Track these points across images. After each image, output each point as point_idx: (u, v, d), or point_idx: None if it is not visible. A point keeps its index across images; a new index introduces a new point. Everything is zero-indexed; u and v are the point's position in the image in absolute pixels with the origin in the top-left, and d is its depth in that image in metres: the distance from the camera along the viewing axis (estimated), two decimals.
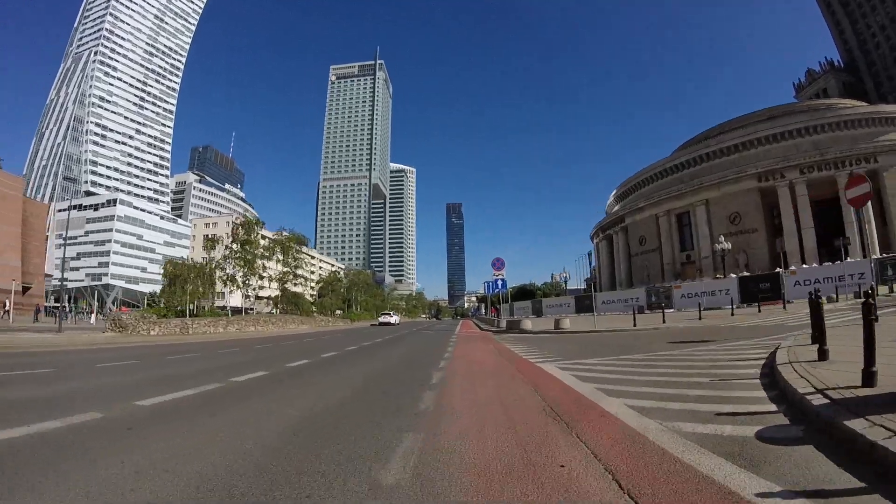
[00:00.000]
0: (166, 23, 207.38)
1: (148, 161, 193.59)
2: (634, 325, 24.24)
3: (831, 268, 39.57)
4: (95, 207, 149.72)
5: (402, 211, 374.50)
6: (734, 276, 46.53)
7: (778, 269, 45.46)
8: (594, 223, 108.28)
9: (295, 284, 61.68)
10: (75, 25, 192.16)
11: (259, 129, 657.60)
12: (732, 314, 27.46)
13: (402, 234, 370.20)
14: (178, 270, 43.09)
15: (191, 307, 44.40)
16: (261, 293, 64.99)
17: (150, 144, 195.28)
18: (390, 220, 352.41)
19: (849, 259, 48.80)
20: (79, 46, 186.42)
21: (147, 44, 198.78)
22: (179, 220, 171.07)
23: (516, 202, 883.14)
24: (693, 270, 70.36)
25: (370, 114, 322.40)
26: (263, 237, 56.23)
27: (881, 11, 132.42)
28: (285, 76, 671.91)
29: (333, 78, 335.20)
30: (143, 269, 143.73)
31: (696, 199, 72.20)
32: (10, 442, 5.08)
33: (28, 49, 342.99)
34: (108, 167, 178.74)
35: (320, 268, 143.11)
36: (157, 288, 45.77)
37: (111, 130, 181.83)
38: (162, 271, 45.26)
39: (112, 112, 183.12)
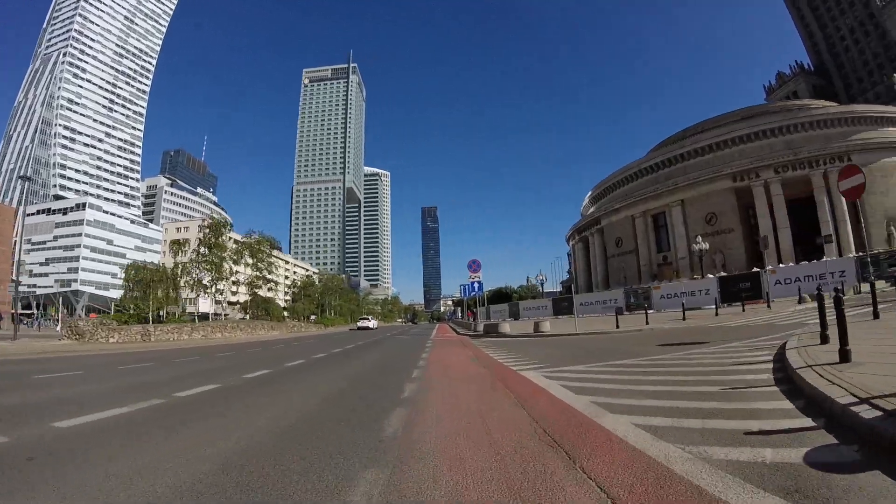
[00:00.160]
0: (137, 24, 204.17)
1: (118, 165, 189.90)
2: (617, 326, 23.29)
3: (811, 266, 39.15)
4: (64, 212, 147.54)
5: (377, 215, 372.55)
6: (714, 276, 46.05)
7: (757, 269, 45.06)
8: (569, 225, 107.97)
9: (269, 290, 60.02)
10: (44, 26, 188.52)
11: (232, 133, 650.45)
12: (717, 314, 26.75)
13: (377, 238, 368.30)
14: (140, 275, 41.35)
15: (160, 313, 42.99)
16: (233, 299, 63.63)
17: (120, 148, 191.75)
18: (365, 225, 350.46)
19: (825, 258, 48.76)
20: (48, 48, 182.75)
21: (117, 45, 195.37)
22: (151, 225, 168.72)
23: (491, 205, 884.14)
24: (670, 271, 70.01)
25: (343, 117, 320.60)
26: (235, 241, 54.80)
27: (850, 15, 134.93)
28: (258, 79, 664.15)
29: (306, 81, 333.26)
30: (114, 275, 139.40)
31: (672, 200, 71.85)
32: None
33: None
34: (76, 171, 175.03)
35: (294, 273, 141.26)
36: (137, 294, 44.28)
37: (80, 133, 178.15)
38: (124, 275, 43.27)
39: (81, 115, 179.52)
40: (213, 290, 48.38)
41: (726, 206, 66.75)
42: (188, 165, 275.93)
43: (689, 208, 69.96)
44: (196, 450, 5.13)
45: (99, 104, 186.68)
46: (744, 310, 28.16)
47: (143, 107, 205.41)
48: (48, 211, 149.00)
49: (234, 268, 51.91)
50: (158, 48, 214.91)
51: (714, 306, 32.81)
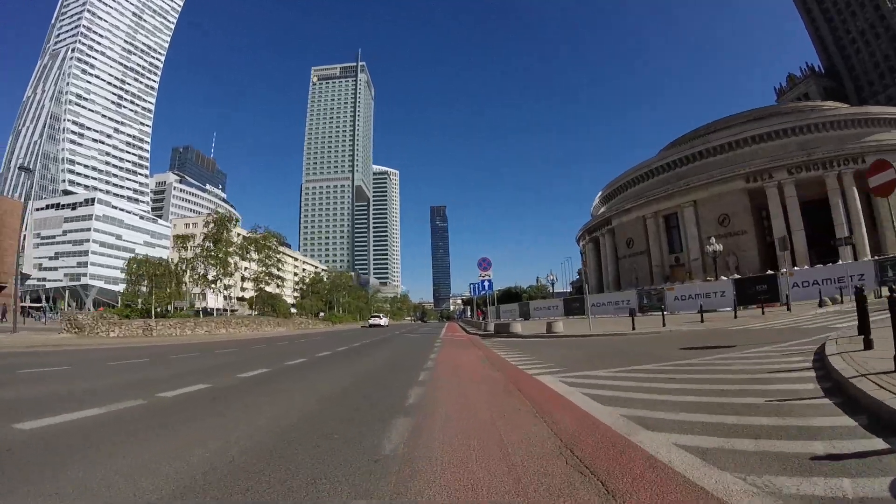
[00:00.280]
0: (145, 20, 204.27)
1: (126, 160, 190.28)
2: (633, 328, 22.34)
3: (829, 269, 38.51)
4: (73, 206, 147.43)
5: (385, 213, 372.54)
6: (729, 277, 45.22)
7: (773, 271, 44.21)
8: (579, 226, 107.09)
9: (275, 286, 59.11)
10: (53, 22, 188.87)
11: (241, 130, 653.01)
12: (735, 317, 25.85)
13: (386, 236, 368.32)
14: (142, 269, 40.75)
15: (167, 308, 42.47)
16: (243, 295, 63.03)
17: (128, 143, 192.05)
18: (374, 223, 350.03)
19: (840, 261, 47.97)
20: (56, 43, 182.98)
21: (125, 41, 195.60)
22: (159, 221, 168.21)
23: (501, 204, 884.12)
24: (682, 273, 69.16)
25: (352, 116, 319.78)
26: (241, 236, 54.17)
27: (861, 17, 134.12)
28: (267, 76, 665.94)
29: (315, 79, 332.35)
30: (123, 270, 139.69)
31: (685, 201, 70.95)
32: None
33: (5, 46, 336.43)
34: (85, 166, 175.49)
35: (303, 270, 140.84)
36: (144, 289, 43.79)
37: (89, 129, 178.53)
38: (125, 269, 42.63)
39: (90, 110, 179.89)
40: (219, 285, 47.78)
41: (739, 207, 65.87)
42: (197, 162, 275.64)
43: (701, 209, 69.06)
44: (166, 462, 4.42)
45: (107, 100, 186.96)
46: (763, 312, 27.21)
47: (151, 103, 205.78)
48: (57, 206, 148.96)
49: (241, 263, 51.29)
50: (167, 45, 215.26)
51: (730, 308, 32.13)
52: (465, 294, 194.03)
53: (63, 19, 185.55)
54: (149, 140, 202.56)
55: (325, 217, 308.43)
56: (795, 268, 46.65)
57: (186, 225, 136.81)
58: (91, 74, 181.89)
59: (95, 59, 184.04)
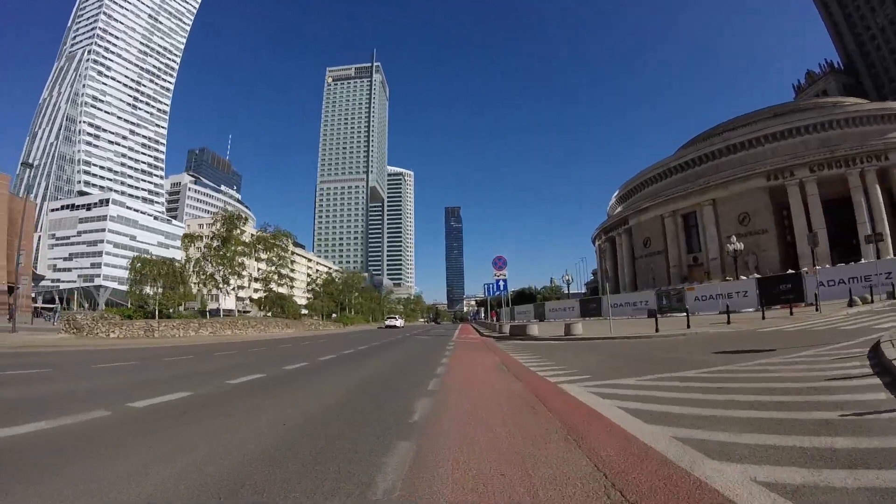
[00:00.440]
0: (160, 22, 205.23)
1: (142, 162, 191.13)
2: (657, 330, 21.19)
3: (856, 267, 37.30)
4: (88, 207, 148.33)
5: (400, 214, 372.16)
6: (753, 277, 44.06)
7: (794, 271, 43.09)
8: (594, 226, 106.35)
9: (280, 285, 58.27)
10: (69, 24, 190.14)
11: (256, 131, 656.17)
12: (763, 317, 24.74)
13: (400, 237, 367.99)
14: (146, 268, 39.96)
15: (179, 309, 41.92)
16: (255, 295, 62.41)
17: (143, 145, 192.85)
18: (388, 224, 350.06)
19: (863, 259, 46.92)
20: (72, 45, 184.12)
21: (141, 43, 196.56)
22: (174, 221, 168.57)
23: (515, 203, 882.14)
24: (700, 273, 68.04)
25: (367, 116, 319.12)
26: (253, 235, 53.56)
27: (880, 13, 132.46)
28: (282, 78, 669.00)
29: (330, 80, 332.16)
30: (127, 268, 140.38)
31: (704, 199, 69.76)
32: None
33: (23, 48, 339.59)
34: (101, 167, 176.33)
35: (317, 271, 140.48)
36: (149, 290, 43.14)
37: (104, 130, 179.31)
38: (129, 267, 41.87)
39: (105, 112, 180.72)
40: (226, 285, 47.08)
41: (760, 205, 64.68)
42: (212, 164, 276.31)
43: (720, 208, 67.90)
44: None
45: (123, 101, 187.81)
46: (791, 313, 26.09)
47: (166, 104, 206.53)
48: (72, 206, 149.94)
49: (251, 262, 50.61)
50: (182, 46, 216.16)
51: (755, 309, 31.47)
52: (478, 295, 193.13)
53: (79, 21, 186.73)
54: (164, 141, 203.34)
55: (340, 218, 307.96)
56: (818, 267, 45.50)
57: (200, 225, 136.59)
58: (107, 76, 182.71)
59: (111, 60, 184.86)
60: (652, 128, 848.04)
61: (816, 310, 26.11)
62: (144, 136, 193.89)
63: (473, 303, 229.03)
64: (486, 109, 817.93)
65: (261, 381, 10.81)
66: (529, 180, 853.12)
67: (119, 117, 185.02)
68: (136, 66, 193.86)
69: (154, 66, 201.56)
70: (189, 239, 46.25)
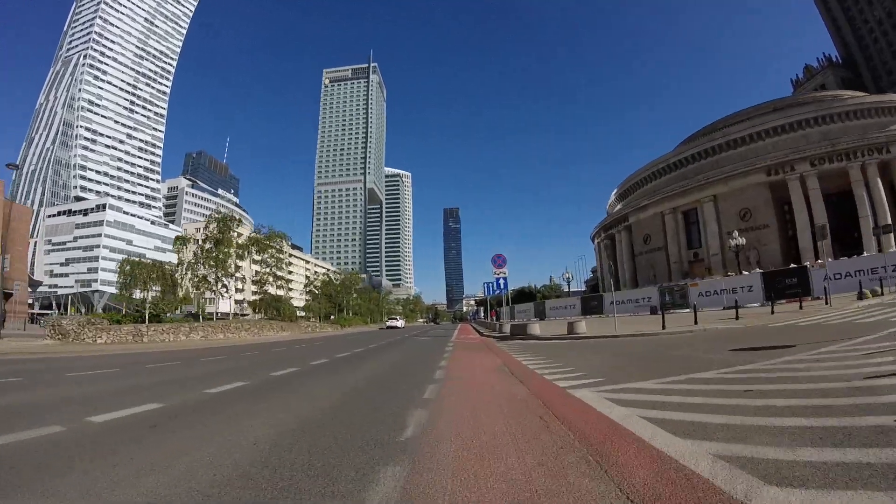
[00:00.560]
0: (156, 26, 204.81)
1: (138, 166, 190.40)
2: (663, 327, 20.41)
3: (863, 260, 37.09)
4: (84, 212, 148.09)
5: (398, 215, 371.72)
6: (757, 271, 43.54)
7: (800, 264, 42.59)
8: (592, 225, 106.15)
9: (278, 287, 57.48)
10: (65, 29, 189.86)
11: (253, 134, 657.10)
12: (772, 312, 24.08)
13: (398, 238, 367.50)
14: (135, 270, 39.07)
15: (177, 312, 41.35)
16: (252, 298, 61.78)
17: (140, 149, 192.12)
18: (386, 225, 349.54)
19: (865, 253, 46.60)
20: (68, 50, 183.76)
21: (137, 47, 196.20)
22: (171, 226, 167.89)
23: (514, 204, 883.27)
24: (701, 269, 67.47)
25: (364, 118, 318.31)
26: (241, 235, 52.83)
27: (878, 7, 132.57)
28: (279, 80, 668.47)
29: (327, 81, 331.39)
30: (115, 271, 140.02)
31: (704, 196, 69.12)
32: None
33: (19, 53, 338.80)
34: (97, 172, 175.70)
35: (315, 273, 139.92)
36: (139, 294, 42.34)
37: (101, 135, 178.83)
38: (118, 270, 41.01)
39: (102, 116, 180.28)
40: (219, 287, 46.32)
41: (760, 200, 64.11)
42: (210, 167, 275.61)
43: (721, 204, 67.28)
44: None
45: (119, 106, 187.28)
46: (801, 307, 25.51)
47: (163, 108, 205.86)
48: (68, 212, 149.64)
49: (245, 264, 49.94)
50: (178, 50, 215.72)
51: (760, 304, 31.33)
52: (478, 294, 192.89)
53: (75, 26, 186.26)
54: (161, 145, 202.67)
55: (338, 220, 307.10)
56: (826, 260, 45.02)
57: (197, 229, 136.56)
58: (103, 80, 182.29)
59: (107, 65, 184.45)
60: (650, 128, 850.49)
61: (826, 303, 25.52)
62: (141, 140, 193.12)
63: (473, 302, 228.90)
64: (485, 110, 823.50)
65: (243, 389, 9.95)
66: (528, 181, 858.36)
67: (115, 121, 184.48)
68: (133, 69, 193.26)
69: (150, 70, 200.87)
70: (181, 241, 45.55)
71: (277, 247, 55.87)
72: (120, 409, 7.39)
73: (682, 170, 77.17)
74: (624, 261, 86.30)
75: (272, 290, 56.56)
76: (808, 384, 7.09)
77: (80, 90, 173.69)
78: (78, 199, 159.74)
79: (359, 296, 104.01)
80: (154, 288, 39.85)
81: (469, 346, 24.15)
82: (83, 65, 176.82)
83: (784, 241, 62.96)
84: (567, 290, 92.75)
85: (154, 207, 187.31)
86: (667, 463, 4.13)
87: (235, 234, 48.22)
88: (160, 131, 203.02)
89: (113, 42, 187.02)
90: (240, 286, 49.54)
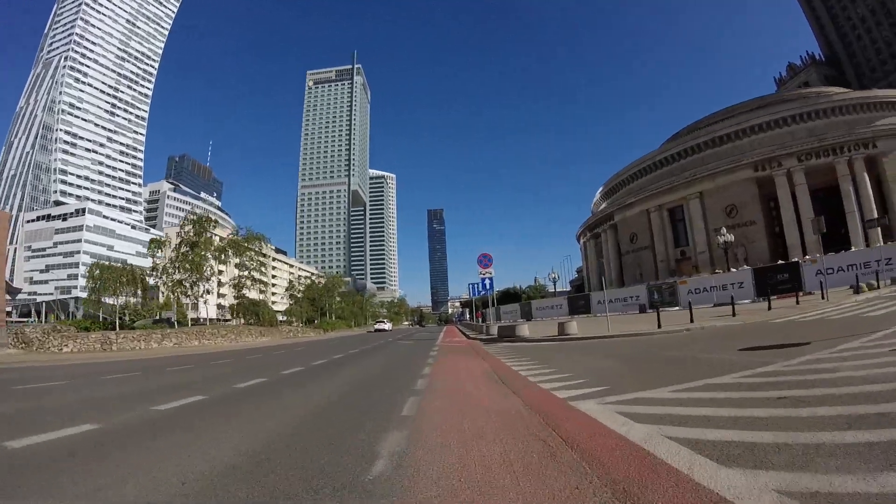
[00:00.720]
0: (138, 27, 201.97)
1: (120, 170, 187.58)
2: (659, 326, 19.33)
3: (855, 254, 36.89)
4: (64, 217, 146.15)
5: (382, 218, 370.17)
6: (746, 268, 43.05)
7: (788, 260, 42.16)
8: (577, 226, 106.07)
9: (261, 291, 56.20)
10: (46, 31, 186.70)
11: (237, 136, 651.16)
12: (769, 308, 23.24)
13: (383, 240, 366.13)
14: (104, 274, 37.73)
15: (159, 318, 40.20)
16: (234, 302, 60.56)
17: (121, 153, 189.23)
18: (371, 227, 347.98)
19: (853, 248, 46.55)
20: (49, 52, 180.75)
21: (119, 49, 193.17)
22: (152, 231, 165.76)
23: (498, 204, 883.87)
24: (689, 267, 67.15)
25: (348, 119, 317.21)
26: (221, 239, 51.54)
27: (861, 4, 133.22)
28: (263, 81, 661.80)
29: (311, 83, 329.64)
30: (84, 276, 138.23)
31: (690, 192, 68.83)
32: None
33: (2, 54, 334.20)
34: (78, 176, 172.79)
35: (299, 277, 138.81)
36: (109, 299, 41.03)
37: (81, 138, 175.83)
38: (87, 275, 39.78)
39: (82, 119, 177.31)
40: (195, 291, 45.05)
41: (747, 196, 63.96)
42: (193, 171, 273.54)
43: (707, 200, 67.04)
44: None
45: (100, 108, 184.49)
46: (798, 302, 24.64)
47: (145, 111, 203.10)
48: (48, 217, 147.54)
49: (220, 267, 48.52)
50: (161, 52, 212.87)
51: (752, 300, 30.92)
52: (463, 296, 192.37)
53: (56, 27, 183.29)
54: (142, 149, 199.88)
55: (322, 223, 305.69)
56: (811, 256, 44.69)
57: (178, 233, 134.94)
58: (84, 83, 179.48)
59: (88, 67, 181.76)
60: (651, 128, 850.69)
61: (823, 298, 24.83)
62: (122, 144, 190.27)
63: (458, 304, 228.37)
64: (484, 110, 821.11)
65: (199, 405, 8.75)
66: (516, 182, 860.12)
67: (96, 124, 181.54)
68: (114, 72, 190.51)
69: (132, 72, 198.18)
70: (156, 244, 44.30)
71: (256, 249, 54.52)
72: (49, 430, 6.39)
73: (668, 167, 76.99)
74: (610, 260, 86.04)
75: (252, 293, 55.20)
76: (847, 387, 6.05)
77: (60, 93, 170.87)
78: (58, 203, 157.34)
79: (342, 299, 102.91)
80: (126, 293, 38.57)
81: (455, 350, 22.85)
82: (64, 66, 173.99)
83: (771, 237, 62.82)
84: (553, 290, 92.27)
85: (135, 212, 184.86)
86: None
87: (212, 237, 47.01)
88: (142, 134, 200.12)
89: (94, 44, 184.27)
90: (223, 291, 48.27)
